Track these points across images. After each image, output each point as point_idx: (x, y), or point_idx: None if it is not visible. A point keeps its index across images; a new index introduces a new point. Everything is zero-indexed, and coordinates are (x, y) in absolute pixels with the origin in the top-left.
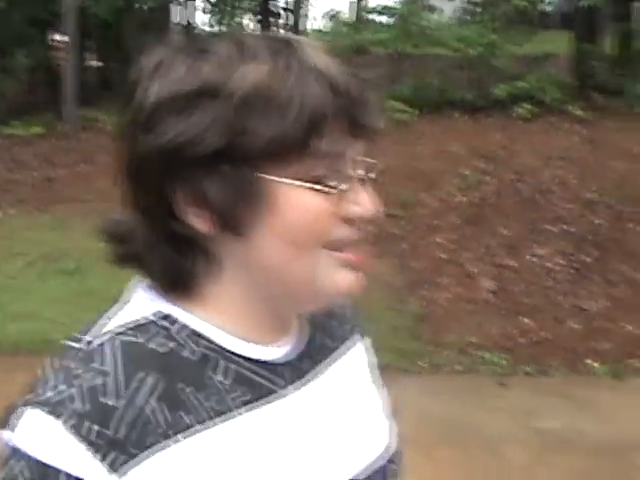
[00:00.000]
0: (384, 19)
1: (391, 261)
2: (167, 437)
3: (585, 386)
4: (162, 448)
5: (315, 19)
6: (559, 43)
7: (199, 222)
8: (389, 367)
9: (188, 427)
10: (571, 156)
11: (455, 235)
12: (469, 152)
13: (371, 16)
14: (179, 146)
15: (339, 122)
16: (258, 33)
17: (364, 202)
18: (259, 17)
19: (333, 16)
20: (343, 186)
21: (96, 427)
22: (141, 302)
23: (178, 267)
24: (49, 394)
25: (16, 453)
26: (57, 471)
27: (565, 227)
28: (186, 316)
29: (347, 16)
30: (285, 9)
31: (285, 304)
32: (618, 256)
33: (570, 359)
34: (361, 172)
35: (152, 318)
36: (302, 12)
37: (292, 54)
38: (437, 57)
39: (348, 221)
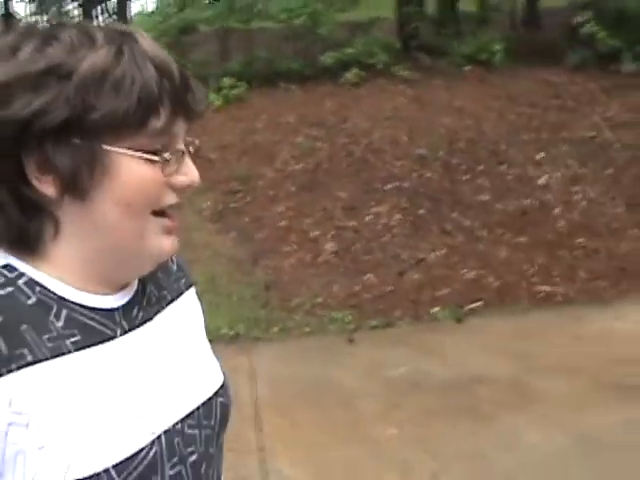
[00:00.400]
0: None
1: (234, 235)
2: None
3: (429, 332)
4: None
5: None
6: (384, 7)
7: (46, 187)
8: (242, 337)
9: (21, 359)
10: (400, 115)
11: (294, 203)
12: (301, 121)
13: None
14: (28, 119)
15: (168, 102)
16: (99, 24)
17: (190, 173)
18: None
19: None
20: (173, 158)
21: None
22: None
23: (23, 228)
24: None
25: None
26: None
27: (398, 184)
28: (25, 267)
29: None
30: None
31: (118, 262)
32: (450, 206)
33: (413, 308)
34: (186, 147)
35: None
36: None
37: (126, 42)
38: (263, 30)
39: (176, 189)
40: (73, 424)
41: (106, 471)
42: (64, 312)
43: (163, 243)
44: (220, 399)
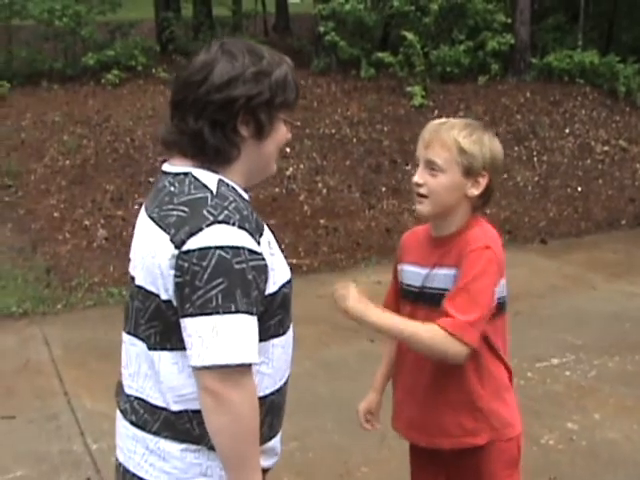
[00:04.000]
0: None
1: (10, 227)
2: (263, 227)
3: None
4: (264, 230)
5: None
6: (144, 10)
7: (243, 131)
8: (31, 313)
9: (263, 226)
10: (160, 114)
11: (65, 195)
12: (66, 119)
13: None
14: (251, 97)
15: None
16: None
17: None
18: None
19: None
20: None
21: (247, 225)
22: (205, 173)
23: (224, 151)
24: (221, 217)
25: (219, 247)
26: (242, 247)
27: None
28: (226, 180)
29: None
30: None
31: (260, 176)
32: None
33: None
34: None
35: (219, 180)
36: None
37: (286, 61)
38: (21, 28)
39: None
40: (278, 255)
41: (289, 280)
42: (246, 204)
43: (275, 168)
44: None
